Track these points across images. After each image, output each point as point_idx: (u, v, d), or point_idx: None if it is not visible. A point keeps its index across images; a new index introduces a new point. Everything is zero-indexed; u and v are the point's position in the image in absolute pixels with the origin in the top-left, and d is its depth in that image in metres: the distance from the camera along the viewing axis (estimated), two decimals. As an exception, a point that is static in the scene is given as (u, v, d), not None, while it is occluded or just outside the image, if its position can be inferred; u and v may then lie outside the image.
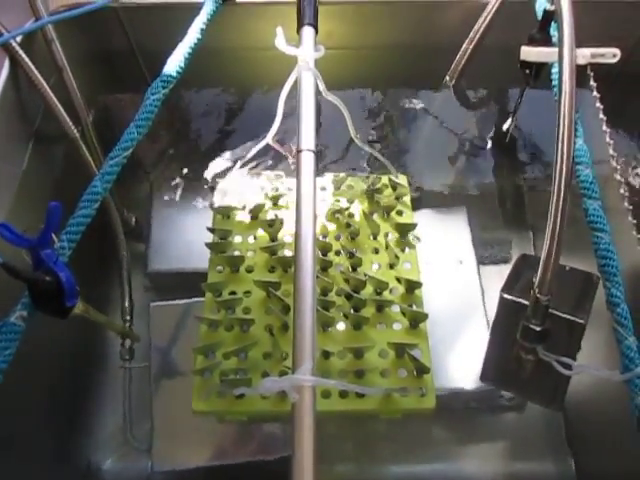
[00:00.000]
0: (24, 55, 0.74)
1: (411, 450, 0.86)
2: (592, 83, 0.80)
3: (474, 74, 0.88)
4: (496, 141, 0.92)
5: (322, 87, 0.66)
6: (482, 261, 0.92)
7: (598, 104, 0.83)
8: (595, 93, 0.79)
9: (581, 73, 0.83)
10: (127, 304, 0.83)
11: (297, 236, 0.53)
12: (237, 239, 0.76)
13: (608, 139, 0.81)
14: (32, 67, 0.74)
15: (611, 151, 0.80)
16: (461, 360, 0.81)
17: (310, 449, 0.44)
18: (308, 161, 0.58)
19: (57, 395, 0.82)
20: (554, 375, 0.65)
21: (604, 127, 0.81)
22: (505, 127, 0.84)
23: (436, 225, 0.91)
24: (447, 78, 0.88)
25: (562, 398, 0.66)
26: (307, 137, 0.59)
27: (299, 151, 0.58)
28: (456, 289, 0.87)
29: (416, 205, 0.84)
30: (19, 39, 0.75)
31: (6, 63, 0.74)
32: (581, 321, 0.60)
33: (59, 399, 0.82)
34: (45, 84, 0.75)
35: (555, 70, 0.69)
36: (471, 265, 0.89)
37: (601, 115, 0.83)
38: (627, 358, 0.51)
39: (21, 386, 0.70)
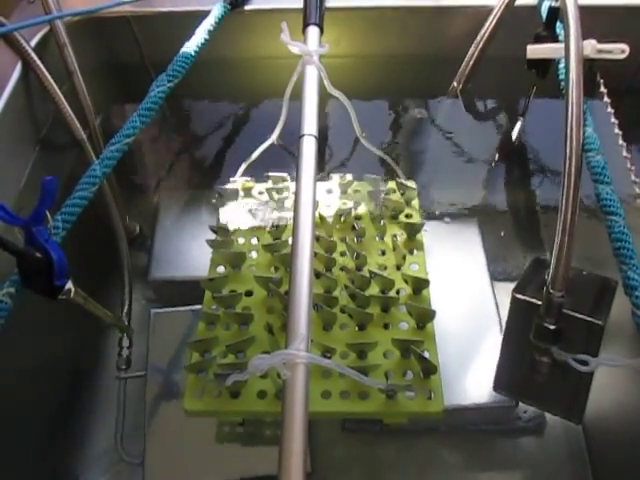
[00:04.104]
0: (36, 57, 0.75)
1: (421, 475, 0.80)
2: (602, 89, 0.79)
3: (482, 84, 0.88)
4: (506, 149, 0.91)
5: (326, 81, 0.66)
6: (495, 276, 0.89)
7: (613, 119, 0.82)
8: (606, 99, 0.78)
9: (590, 80, 0.83)
10: (127, 310, 0.81)
11: (296, 214, 0.51)
12: (240, 240, 0.74)
13: (625, 153, 0.79)
14: (43, 69, 0.75)
15: (628, 164, 0.78)
16: (475, 375, 0.77)
17: (300, 431, 0.41)
18: (309, 145, 0.57)
19: (45, 408, 0.79)
20: (572, 383, 0.61)
21: (620, 141, 0.80)
22: (515, 131, 0.82)
23: (447, 237, 0.89)
24: (454, 84, 0.88)
25: (582, 410, 0.62)
26: (309, 122, 0.59)
27: (301, 136, 0.58)
28: (469, 302, 0.83)
29: (427, 217, 0.82)
30: (33, 43, 0.77)
31: (18, 66, 0.76)
32: (599, 322, 0.57)
33: (47, 412, 0.79)
34: (55, 86, 0.76)
35: (562, 65, 0.68)
36: (484, 278, 0.86)
37: (616, 130, 0.81)
38: (649, 341, 0.47)
39: (4, 397, 0.67)
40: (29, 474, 0.74)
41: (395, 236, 0.73)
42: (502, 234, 0.91)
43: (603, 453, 0.78)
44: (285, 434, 0.40)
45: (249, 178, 0.79)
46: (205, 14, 0.77)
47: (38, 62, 0.76)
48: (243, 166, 0.78)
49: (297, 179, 0.54)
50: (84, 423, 0.81)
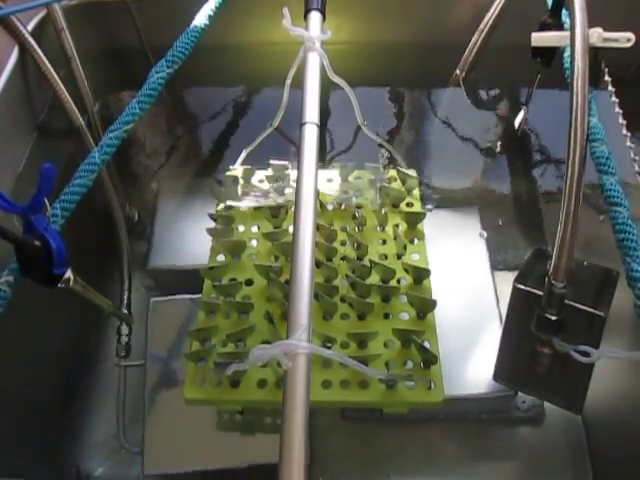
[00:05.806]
0: (33, 42, 0.74)
1: (420, 465, 0.80)
2: (607, 78, 0.78)
3: (485, 72, 0.87)
4: (508, 139, 0.90)
5: (328, 68, 0.65)
6: (495, 266, 0.88)
7: (617, 109, 0.81)
8: (610, 88, 0.77)
9: (595, 69, 0.82)
10: (126, 298, 0.81)
11: (297, 202, 0.51)
12: (240, 228, 0.74)
13: (629, 143, 0.78)
14: (40, 53, 0.74)
15: (632, 154, 0.77)
16: (474, 366, 0.77)
17: (302, 422, 0.40)
18: (311, 133, 0.56)
19: (44, 396, 0.79)
20: (573, 372, 0.61)
21: (624, 131, 0.79)
22: (517, 120, 0.82)
23: (447, 225, 0.88)
24: (457, 72, 0.87)
25: (582, 400, 0.62)
26: (311, 110, 0.58)
27: (302, 123, 0.57)
28: (469, 292, 0.83)
29: (427, 205, 0.82)
30: (30, 27, 0.76)
31: (15, 51, 0.75)
32: (601, 313, 0.56)
33: (46, 399, 0.79)
34: (53, 71, 0.75)
35: (567, 54, 0.67)
36: (484, 268, 0.85)
37: (620, 120, 0.80)
38: (652, 334, 0.47)
39: (3, 386, 0.67)
40: (28, 463, 0.74)
41: (396, 225, 0.73)
42: (500, 223, 0.91)
43: (602, 442, 0.78)
44: (286, 425, 0.40)
45: (249, 166, 0.79)
46: (206, 1, 0.76)
47: (35, 47, 0.74)
48: (243, 154, 0.77)
49: (298, 167, 0.54)
50: (83, 412, 0.81)
